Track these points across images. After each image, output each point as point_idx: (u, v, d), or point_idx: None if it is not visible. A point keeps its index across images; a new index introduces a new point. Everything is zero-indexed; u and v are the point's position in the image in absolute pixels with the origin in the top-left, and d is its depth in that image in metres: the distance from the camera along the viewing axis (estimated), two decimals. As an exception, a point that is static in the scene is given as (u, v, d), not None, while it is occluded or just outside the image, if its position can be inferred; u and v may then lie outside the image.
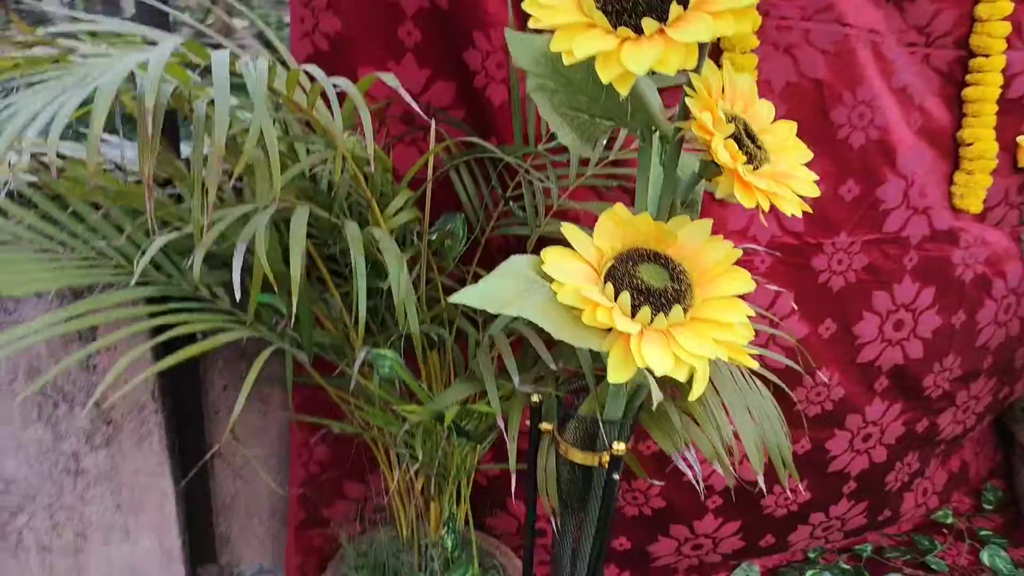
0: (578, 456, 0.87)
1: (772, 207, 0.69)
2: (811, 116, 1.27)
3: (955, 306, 1.51)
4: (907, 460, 1.68)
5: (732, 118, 0.68)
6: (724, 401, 0.93)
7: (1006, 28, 1.34)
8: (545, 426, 0.91)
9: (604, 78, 0.56)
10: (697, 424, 0.95)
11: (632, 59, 0.55)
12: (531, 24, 0.58)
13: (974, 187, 1.43)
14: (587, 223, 0.72)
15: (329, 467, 1.45)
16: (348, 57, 1.16)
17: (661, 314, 0.65)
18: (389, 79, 0.84)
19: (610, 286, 0.65)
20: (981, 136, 1.41)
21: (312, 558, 1.48)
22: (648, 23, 0.56)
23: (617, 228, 0.70)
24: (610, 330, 0.64)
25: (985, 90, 1.38)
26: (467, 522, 1.28)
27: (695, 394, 0.66)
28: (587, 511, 0.91)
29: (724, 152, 0.64)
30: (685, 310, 0.66)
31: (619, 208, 0.70)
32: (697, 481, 0.92)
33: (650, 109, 0.68)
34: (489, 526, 1.50)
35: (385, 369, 0.92)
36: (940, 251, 1.45)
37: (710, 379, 0.90)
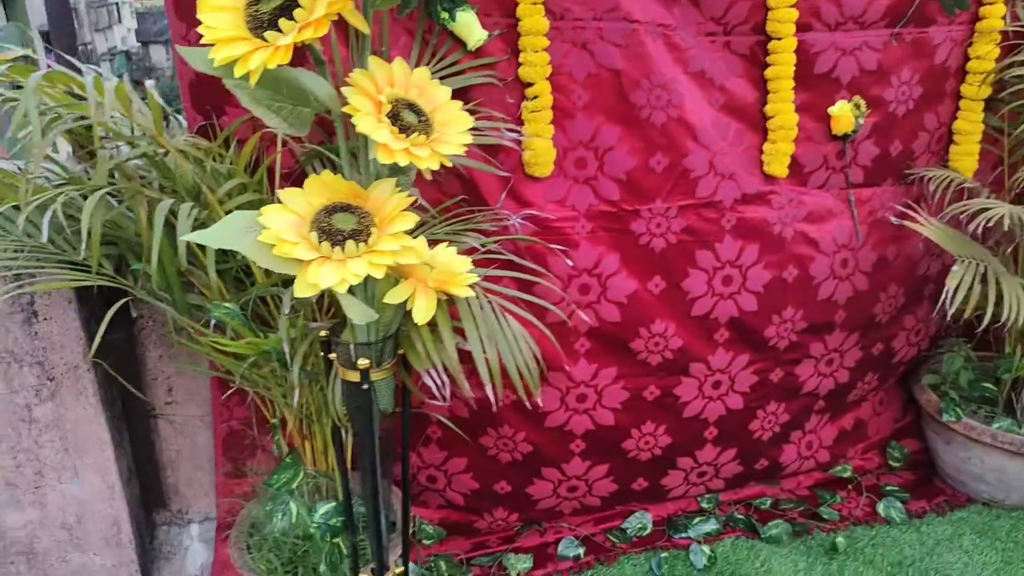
0: (348, 375, 1.11)
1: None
2: (614, 100, 1.51)
3: (783, 261, 1.70)
4: (770, 410, 1.85)
5: (398, 100, 0.93)
6: (473, 332, 1.15)
7: (794, 14, 1.55)
8: (332, 356, 1.15)
9: (237, 73, 0.81)
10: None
11: (254, 62, 0.80)
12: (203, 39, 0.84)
13: (777, 155, 1.64)
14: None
15: (248, 422, 1.72)
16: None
17: (339, 248, 0.90)
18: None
19: (314, 232, 0.90)
20: (781, 110, 1.61)
21: (236, 504, 1.75)
22: (271, 35, 0.81)
23: (323, 188, 0.95)
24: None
25: (781, 69, 1.59)
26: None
27: (418, 319, 0.95)
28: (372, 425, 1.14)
29: (364, 123, 0.88)
30: (359, 244, 0.90)
31: (325, 174, 0.95)
32: (443, 396, 1.13)
33: (319, 96, 0.93)
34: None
35: (216, 315, 1.20)
36: (754, 212, 1.66)
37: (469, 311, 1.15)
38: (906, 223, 1.67)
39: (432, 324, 1.12)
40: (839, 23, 1.62)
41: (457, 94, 1.37)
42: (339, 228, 0.91)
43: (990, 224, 1.61)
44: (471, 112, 1.38)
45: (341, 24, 1.25)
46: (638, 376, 1.69)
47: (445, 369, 1.15)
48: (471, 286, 1.07)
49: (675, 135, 1.55)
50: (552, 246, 1.46)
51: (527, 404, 1.28)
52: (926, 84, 1.73)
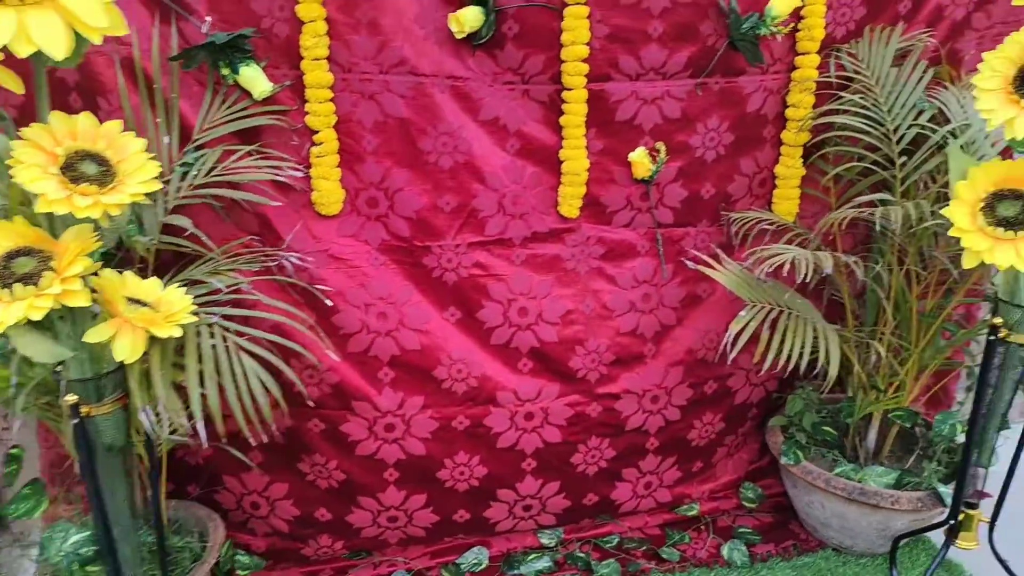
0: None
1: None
2: (404, 146, 1.63)
3: (579, 295, 1.77)
4: (592, 445, 1.90)
5: (77, 152, 1.06)
6: (193, 369, 1.25)
7: (584, 68, 1.66)
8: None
9: None
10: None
11: None
12: None
13: (568, 197, 1.73)
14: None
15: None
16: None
17: (7, 290, 1.02)
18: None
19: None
20: (572, 156, 1.71)
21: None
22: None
23: (9, 233, 1.07)
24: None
25: (572, 118, 1.69)
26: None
27: (120, 357, 1.09)
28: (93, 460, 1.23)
29: (22, 174, 1.01)
30: (27, 286, 1.02)
31: (17, 220, 1.08)
32: (155, 431, 1.22)
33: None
34: (211, 499, 1.83)
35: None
36: (546, 248, 1.75)
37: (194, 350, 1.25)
38: (700, 267, 1.73)
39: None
40: (640, 74, 1.71)
41: (250, 138, 1.54)
42: (13, 271, 1.04)
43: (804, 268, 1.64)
44: (260, 154, 1.54)
45: (130, 73, 1.40)
46: (445, 405, 1.77)
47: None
48: (212, 325, 1.18)
49: (463, 178, 1.66)
50: (318, 287, 1.56)
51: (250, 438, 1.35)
52: (738, 131, 1.80)
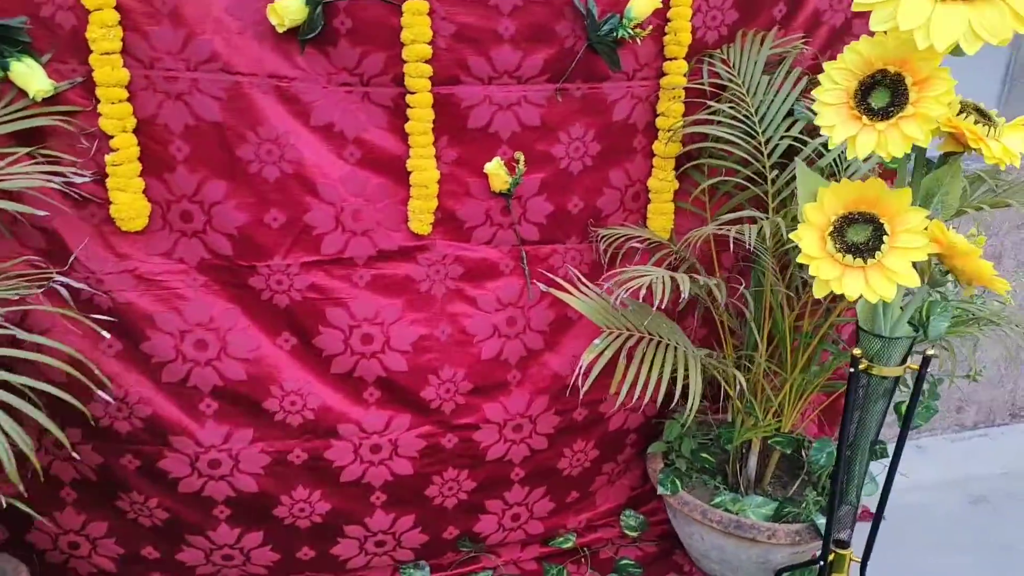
0: None
1: None
2: (218, 154, 1.45)
3: (434, 319, 1.62)
4: (449, 476, 1.76)
5: None
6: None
7: (427, 69, 1.50)
8: None
9: None
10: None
11: None
12: None
13: (419, 212, 1.57)
14: None
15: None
16: None
17: None
18: None
19: None
20: (420, 166, 1.55)
21: None
22: None
23: None
24: None
25: (418, 124, 1.53)
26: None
27: None
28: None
29: None
30: None
31: None
32: None
33: None
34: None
35: None
36: (395, 269, 1.59)
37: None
38: (552, 290, 1.59)
39: None
40: (492, 77, 1.56)
41: (33, 141, 1.35)
42: None
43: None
44: (44, 158, 1.34)
45: None
46: (279, 438, 1.60)
47: None
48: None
49: (292, 191, 1.49)
50: (89, 317, 1.34)
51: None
52: (604, 141, 1.67)
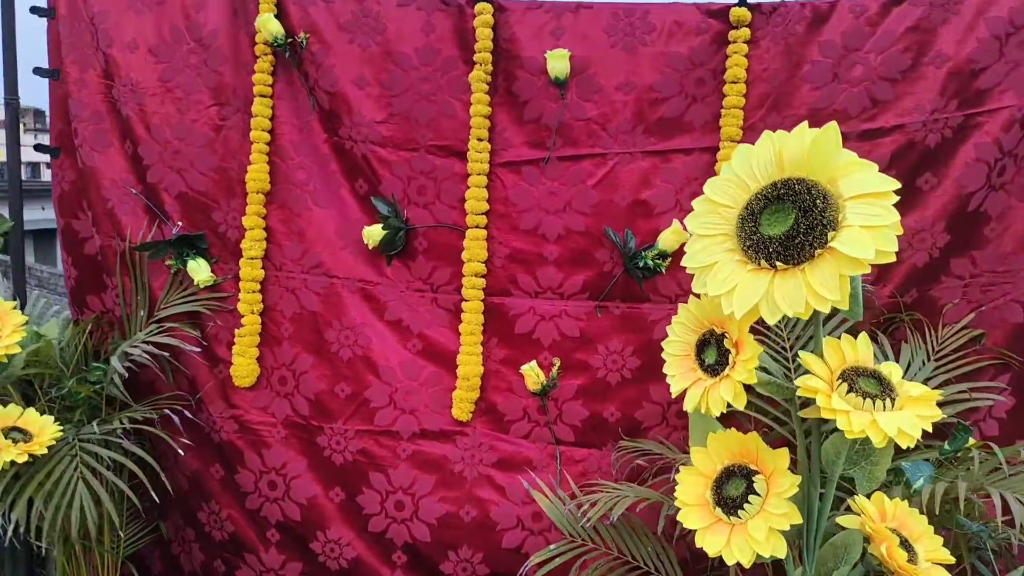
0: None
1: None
2: (313, 336, 1.86)
3: (461, 500, 1.79)
4: (466, 654, 1.83)
5: None
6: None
7: (480, 283, 1.80)
8: None
9: None
10: None
11: None
12: None
13: (461, 400, 1.80)
14: None
15: None
16: None
17: None
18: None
19: None
20: (466, 362, 1.80)
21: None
22: None
23: None
24: None
25: (467, 326, 1.81)
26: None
27: None
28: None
29: None
30: None
31: None
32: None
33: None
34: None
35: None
36: (434, 447, 1.81)
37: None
38: (529, 487, 1.67)
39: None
40: (538, 292, 1.80)
41: (190, 316, 1.89)
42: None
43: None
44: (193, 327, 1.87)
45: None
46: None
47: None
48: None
49: (358, 370, 1.84)
50: (169, 435, 1.79)
51: None
52: (644, 356, 1.78)
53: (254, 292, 1.87)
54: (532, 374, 1.78)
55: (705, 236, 1.00)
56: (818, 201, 0.91)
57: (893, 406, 0.99)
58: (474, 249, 1.79)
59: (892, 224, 0.88)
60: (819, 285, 0.88)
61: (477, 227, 1.79)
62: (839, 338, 1.06)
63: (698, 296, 1.06)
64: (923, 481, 1.18)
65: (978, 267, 1.68)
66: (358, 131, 1.84)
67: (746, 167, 0.99)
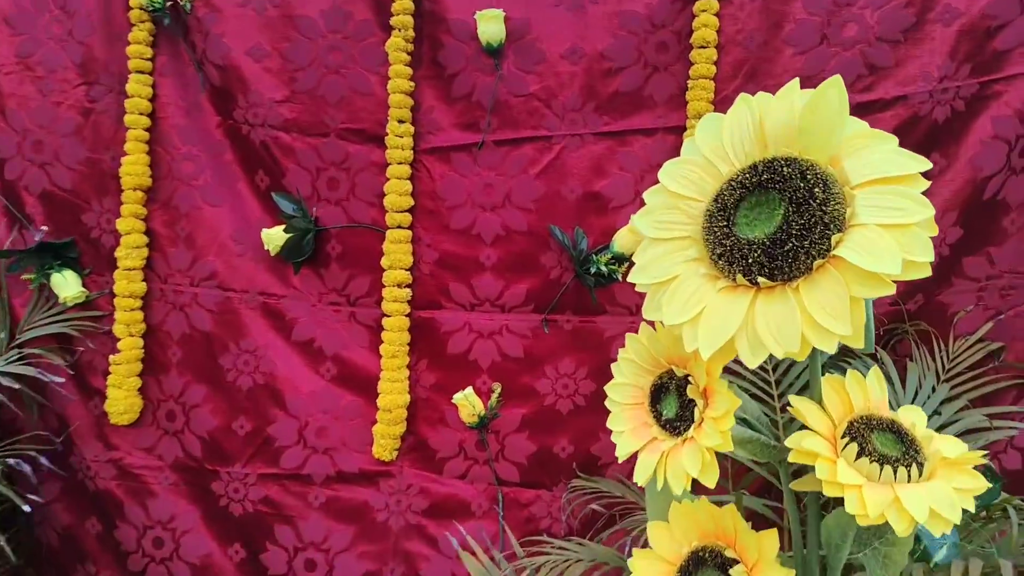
0: None
1: None
2: (205, 361, 1.55)
3: (385, 554, 1.49)
4: None
5: None
6: None
7: (404, 294, 1.49)
8: None
9: None
10: None
11: None
12: None
13: (381, 436, 1.50)
14: None
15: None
16: None
17: None
18: None
19: None
20: (388, 389, 1.50)
21: None
22: None
23: None
24: None
25: (389, 347, 1.50)
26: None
27: None
28: None
29: None
30: None
31: None
32: None
33: None
34: None
35: None
36: (353, 493, 1.51)
37: None
38: (455, 542, 1.37)
39: None
40: (474, 304, 1.51)
41: (60, 339, 1.57)
42: None
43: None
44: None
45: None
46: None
47: None
48: None
49: (261, 401, 1.53)
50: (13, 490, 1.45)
51: None
52: (601, 380, 1.48)
53: (133, 310, 1.55)
54: (467, 404, 1.48)
55: (661, 240, 0.69)
56: (816, 189, 0.61)
57: (921, 474, 0.70)
58: (396, 254, 1.49)
59: (923, 221, 0.58)
60: (820, 311, 0.58)
61: (399, 227, 1.49)
62: (842, 371, 0.77)
63: (652, 324, 0.76)
64: (946, 552, 0.90)
65: (996, 267, 1.40)
66: (255, 113, 1.53)
67: (715, 144, 0.69)
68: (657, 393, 0.76)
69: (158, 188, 1.57)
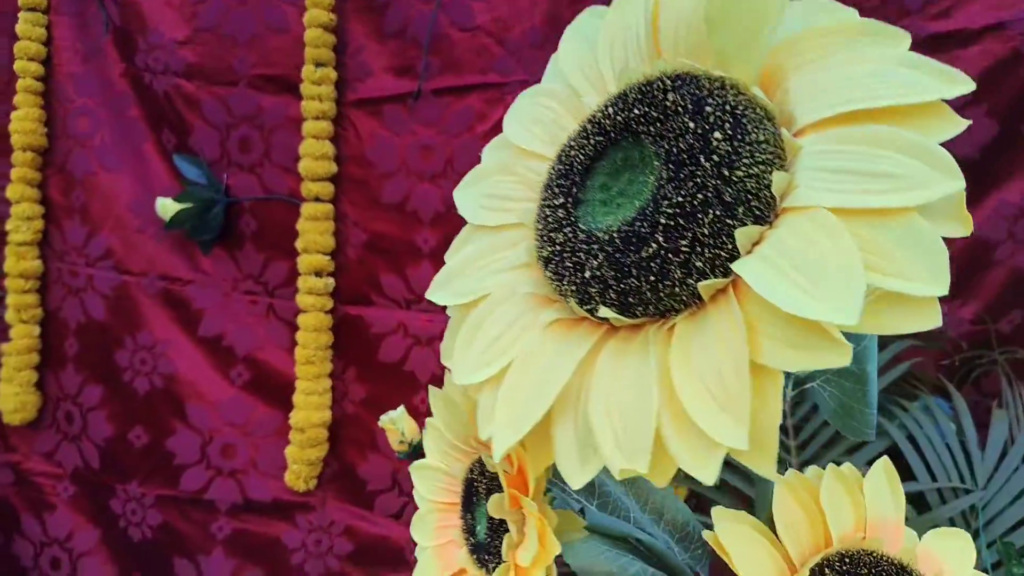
0: None
1: None
2: (100, 356, 1.30)
3: (297, 608, 1.22)
4: None
5: None
6: None
7: (320, 284, 1.19)
8: None
9: None
10: None
11: None
12: None
13: (295, 460, 1.21)
14: None
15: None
16: None
17: None
18: None
19: None
20: (304, 404, 1.21)
21: None
22: None
23: None
24: None
25: (304, 351, 1.21)
26: None
27: None
28: None
29: None
30: None
31: None
32: None
33: None
34: None
35: None
36: (265, 527, 1.23)
37: None
38: None
39: None
40: (410, 300, 1.18)
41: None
42: None
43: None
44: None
45: None
46: None
47: None
48: None
49: (159, 409, 1.27)
50: None
51: None
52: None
53: (25, 292, 1.32)
54: (394, 428, 1.16)
55: (486, 230, 0.33)
56: (715, 135, 0.23)
57: None
58: (313, 234, 1.18)
59: (936, 202, 0.20)
60: (693, 389, 0.21)
61: (318, 200, 1.18)
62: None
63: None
64: None
65: None
66: (156, 57, 1.24)
67: (586, 60, 0.32)
68: (469, 493, 0.42)
69: (54, 149, 1.31)
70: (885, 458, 0.37)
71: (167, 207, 1.21)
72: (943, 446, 0.91)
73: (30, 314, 1.32)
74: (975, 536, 0.88)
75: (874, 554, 0.35)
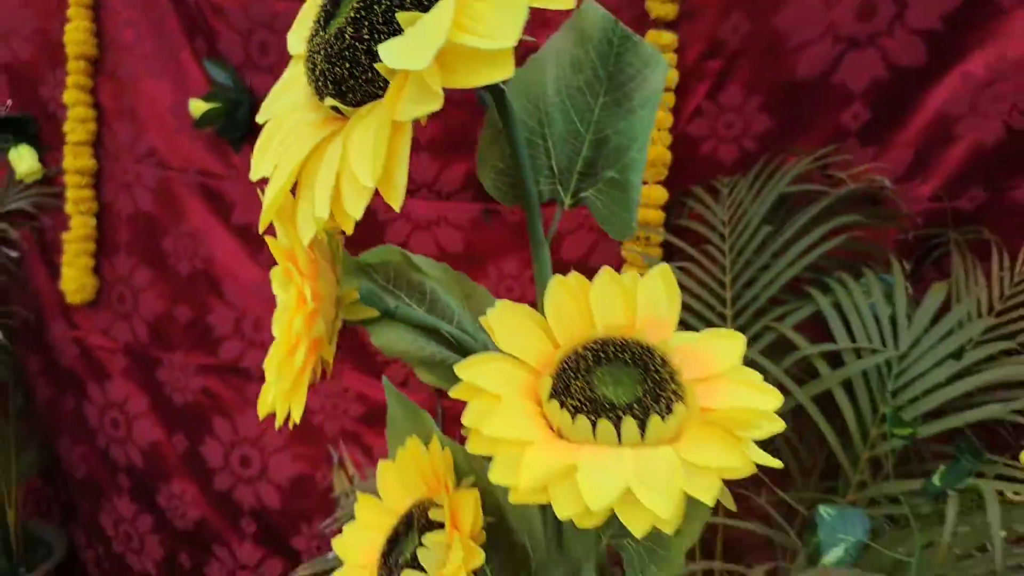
0: None
1: None
2: (148, 243, 1.47)
3: (318, 459, 1.39)
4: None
5: None
6: None
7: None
8: None
9: None
10: None
11: None
12: None
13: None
14: None
15: None
16: None
17: None
18: None
19: None
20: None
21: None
22: None
23: None
24: None
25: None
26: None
27: None
28: None
29: None
30: None
31: None
32: None
33: None
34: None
35: None
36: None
37: None
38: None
39: None
40: (410, 189, 1.30)
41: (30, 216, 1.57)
42: None
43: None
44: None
45: None
46: (169, 535, 1.54)
47: None
48: None
49: (199, 288, 1.44)
50: None
51: None
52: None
53: (82, 187, 1.50)
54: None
55: (295, 57, 0.44)
56: None
57: (665, 418, 0.41)
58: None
59: None
60: (356, 152, 0.32)
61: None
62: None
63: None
64: (843, 553, 0.61)
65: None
66: (186, -31, 1.37)
67: None
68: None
69: (104, 59, 1.47)
70: (664, 264, 0.43)
71: (198, 107, 1.36)
72: (871, 317, 0.97)
73: (87, 206, 1.50)
74: (893, 395, 0.95)
75: (630, 340, 0.38)
